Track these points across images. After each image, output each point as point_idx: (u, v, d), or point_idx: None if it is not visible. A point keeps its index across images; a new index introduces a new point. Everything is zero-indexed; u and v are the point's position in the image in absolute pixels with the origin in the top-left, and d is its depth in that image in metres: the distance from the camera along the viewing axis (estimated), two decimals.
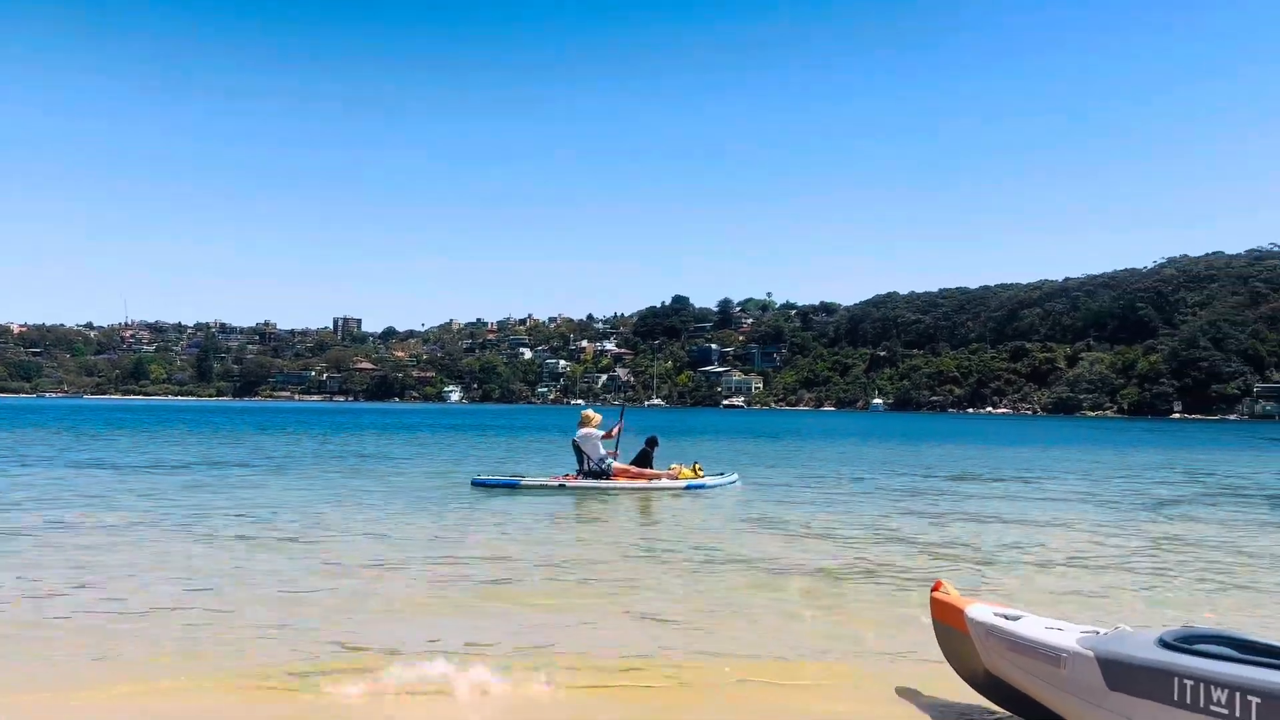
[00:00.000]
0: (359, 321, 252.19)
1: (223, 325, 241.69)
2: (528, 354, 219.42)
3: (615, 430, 15.61)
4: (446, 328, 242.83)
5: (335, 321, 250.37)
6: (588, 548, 9.73)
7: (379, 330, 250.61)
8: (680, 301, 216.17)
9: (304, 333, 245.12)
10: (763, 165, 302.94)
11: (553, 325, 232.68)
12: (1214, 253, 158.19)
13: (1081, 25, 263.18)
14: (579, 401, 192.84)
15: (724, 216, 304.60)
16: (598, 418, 15.66)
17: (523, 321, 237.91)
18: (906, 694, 4.87)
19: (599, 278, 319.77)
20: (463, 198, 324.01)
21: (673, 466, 15.93)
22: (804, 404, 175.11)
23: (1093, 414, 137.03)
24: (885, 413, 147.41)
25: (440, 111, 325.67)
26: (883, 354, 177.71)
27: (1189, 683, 3.31)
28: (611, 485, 14.93)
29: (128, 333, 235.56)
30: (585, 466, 15.26)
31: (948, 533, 11.25)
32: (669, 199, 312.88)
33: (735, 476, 16.60)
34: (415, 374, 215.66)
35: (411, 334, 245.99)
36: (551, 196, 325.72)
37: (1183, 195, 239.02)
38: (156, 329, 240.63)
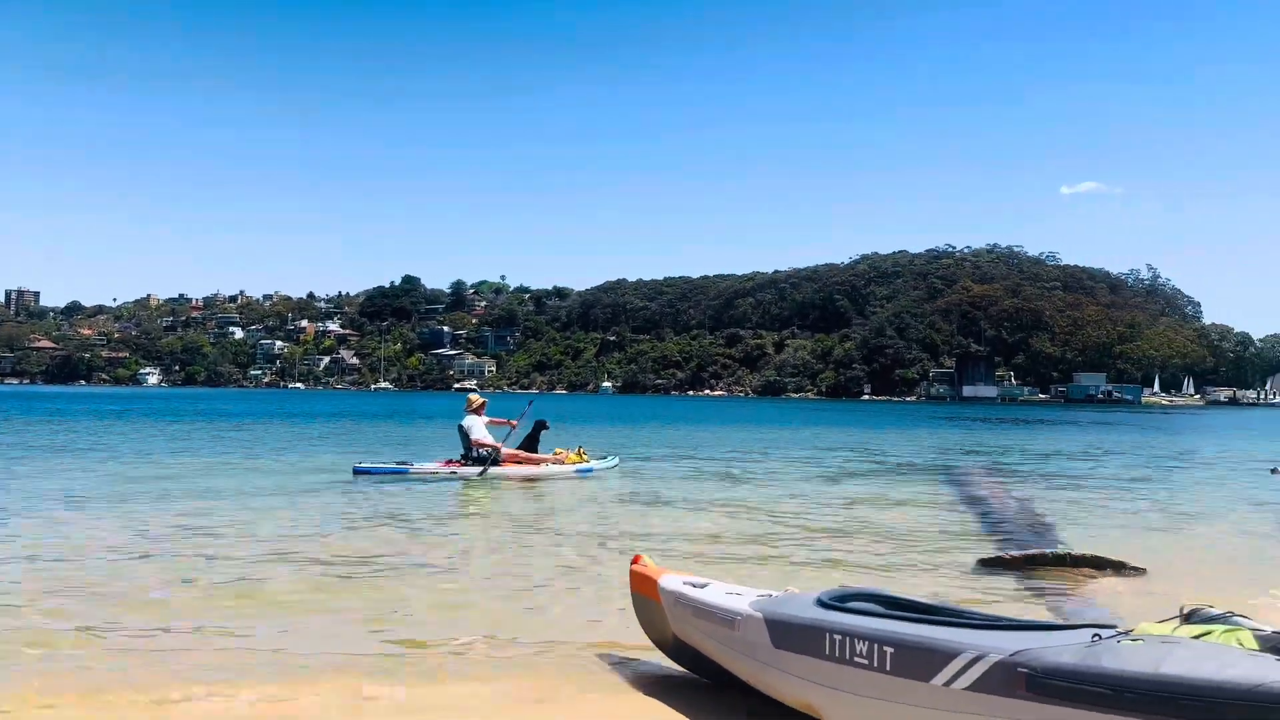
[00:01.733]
0: (36, 294, 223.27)
1: None
2: (239, 334, 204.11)
3: (513, 422, 15.54)
4: (143, 304, 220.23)
5: (7, 294, 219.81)
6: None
7: (61, 305, 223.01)
8: (410, 282, 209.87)
9: None
10: (496, 150, 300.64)
11: (269, 303, 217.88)
12: (899, 251, 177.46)
13: (805, 41, 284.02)
14: (298, 385, 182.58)
15: (457, 197, 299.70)
16: (481, 401, 15.51)
17: (234, 299, 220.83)
18: (603, 661, 4.99)
19: (321, 254, 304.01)
20: (166, 160, 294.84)
21: (557, 451, 15.86)
22: (536, 387, 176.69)
23: (796, 395, 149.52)
24: (614, 395, 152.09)
25: (135, 71, 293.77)
26: (612, 339, 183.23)
27: (838, 637, 3.60)
28: (500, 471, 14.69)
29: None
30: (474, 452, 14.88)
31: (664, 510, 11.75)
32: (399, 176, 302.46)
33: (616, 459, 16.83)
34: (105, 354, 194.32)
35: (101, 310, 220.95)
36: (269, 166, 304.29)
37: (874, 198, 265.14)
38: None
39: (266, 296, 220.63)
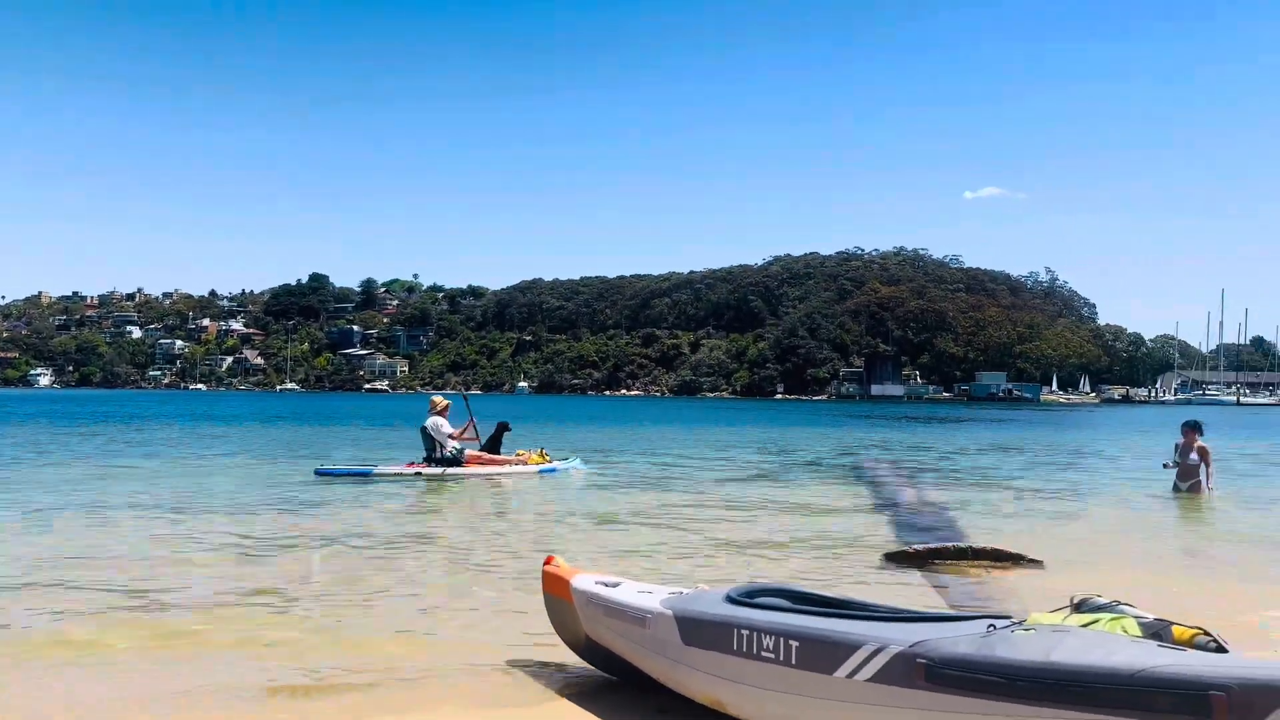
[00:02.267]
0: None
1: None
2: (137, 333, 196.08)
3: (468, 428, 15.77)
4: (34, 301, 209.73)
5: None
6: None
7: None
8: (319, 280, 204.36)
9: None
10: (407, 147, 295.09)
11: (168, 302, 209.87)
12: (811, 253, 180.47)
13: (726, 49, 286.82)
14: (200, 386, 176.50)
15: (368, 194, 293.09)
16: (445, 403, 15.73)
17: (131, 297, 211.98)
18: (516, 667, 4.94)
19: (224, 252, 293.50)
20: (57, 152, 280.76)
21: (519, 452, 16.14)
22: (450, 387, 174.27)
23: (711, 395, 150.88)
24: (530, 395, 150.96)
25: (30, 62, 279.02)
26: (528, 338, 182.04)
27: (745, 633, 3.64)
28: (464, 472, 14.96)
29: None
30: (437, 454, 15.09)
31: (582, 513, 11.71)
32: (308, 170, 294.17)
33: (578, 460, 17.08)
34: None
35: None
36: (168, 161, 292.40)
37: (786, 201, 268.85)
38: None
39: (166, 295, 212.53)
